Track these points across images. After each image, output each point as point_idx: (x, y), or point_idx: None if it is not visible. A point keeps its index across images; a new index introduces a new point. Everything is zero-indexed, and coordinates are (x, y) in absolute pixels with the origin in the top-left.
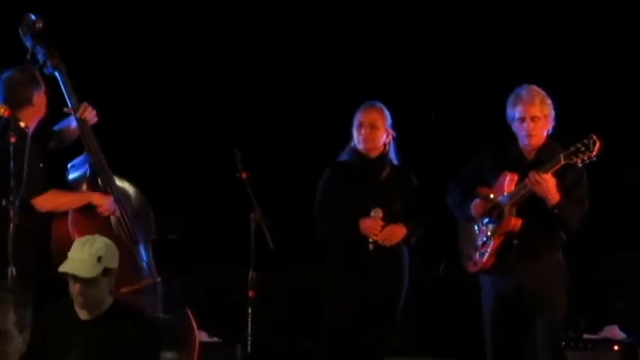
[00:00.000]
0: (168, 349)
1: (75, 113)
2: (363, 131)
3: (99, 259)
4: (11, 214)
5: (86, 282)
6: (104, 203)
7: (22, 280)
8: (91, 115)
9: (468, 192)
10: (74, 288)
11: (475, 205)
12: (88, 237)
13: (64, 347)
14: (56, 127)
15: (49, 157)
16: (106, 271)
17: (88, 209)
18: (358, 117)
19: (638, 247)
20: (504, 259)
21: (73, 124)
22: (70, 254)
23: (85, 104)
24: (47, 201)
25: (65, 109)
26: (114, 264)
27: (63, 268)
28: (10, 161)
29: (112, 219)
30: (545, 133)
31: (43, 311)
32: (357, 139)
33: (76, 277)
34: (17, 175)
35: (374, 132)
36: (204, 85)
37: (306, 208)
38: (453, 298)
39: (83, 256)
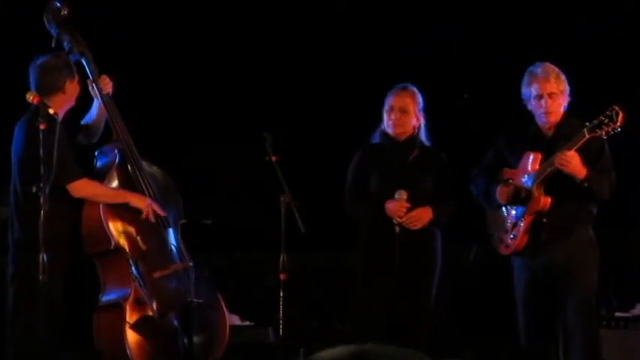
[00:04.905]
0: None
1: (97, 85)
2: (393, 116)
3: None
4: (41, 200)
5: None
6: (144, 207)
7: (53, 266)
8: (107, 85)
9: (492, 177)
10: None
11: (500, 192)
12: None
13: None
14: (83, 121)
15: (79, 152)
16: None
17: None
18: (389, 101)
19: None
20: (535, 238)
21: (96, 107)
22: None
23: (103, 76)
24: (84, 188)
25: (88, 81)
26: None
27: None
28: (39, 148)
29: None
30: (562, 109)
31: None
32: (387, 124)
33: None
34: (47, 162)
35: (404, 117)
36: (234, 68)
37: (337, 190)
38: (486, 281)
39: None
